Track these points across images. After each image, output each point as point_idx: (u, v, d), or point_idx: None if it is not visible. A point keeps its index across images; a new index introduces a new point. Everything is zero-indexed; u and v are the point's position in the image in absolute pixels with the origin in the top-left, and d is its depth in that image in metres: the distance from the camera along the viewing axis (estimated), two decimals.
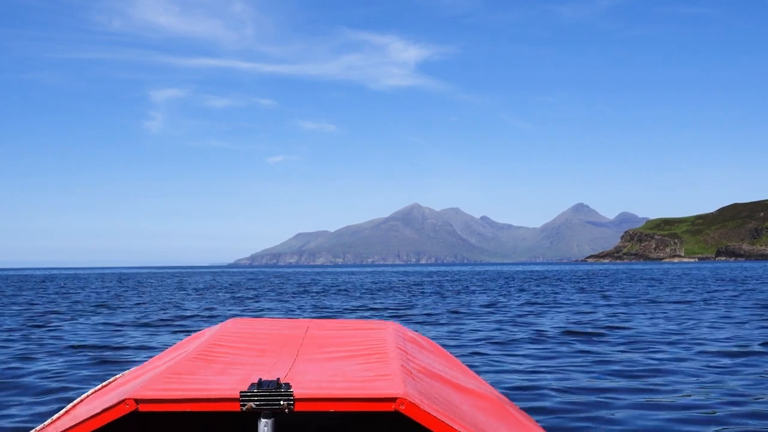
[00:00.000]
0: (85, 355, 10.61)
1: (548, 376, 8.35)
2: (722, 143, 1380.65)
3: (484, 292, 30.37)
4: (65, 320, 17.41)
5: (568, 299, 24.36)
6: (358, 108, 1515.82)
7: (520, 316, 17.29)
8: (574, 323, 15.05)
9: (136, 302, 25.29)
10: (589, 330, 13.44)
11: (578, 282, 43.22)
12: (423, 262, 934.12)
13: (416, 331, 4.90)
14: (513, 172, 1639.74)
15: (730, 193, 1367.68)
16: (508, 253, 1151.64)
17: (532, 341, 11.83)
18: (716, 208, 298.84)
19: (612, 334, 12.69)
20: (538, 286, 37.66)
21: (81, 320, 17.32)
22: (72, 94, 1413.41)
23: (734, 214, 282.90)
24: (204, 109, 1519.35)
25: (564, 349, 10.79)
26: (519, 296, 26.80)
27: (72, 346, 11.72)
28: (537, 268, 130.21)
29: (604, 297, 25.45)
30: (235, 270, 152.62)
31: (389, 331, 3.67)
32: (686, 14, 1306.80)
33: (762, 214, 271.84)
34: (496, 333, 13.22)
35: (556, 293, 28.87)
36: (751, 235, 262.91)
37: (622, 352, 10.38)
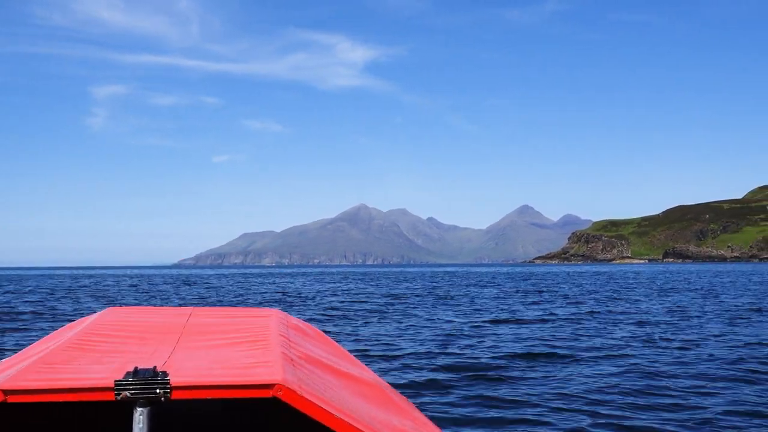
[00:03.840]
0: None
1: None
2: (665, 145, 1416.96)
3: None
4: None
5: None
6: (305, 108, 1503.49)
7: None
8: None
9: None
10: None
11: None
12: (369, 262, 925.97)
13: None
14: (459, 173, 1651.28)
15: (674, 195, 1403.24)
16: (454, 254, 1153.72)
17: None
18: (660, 210, 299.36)
19: None
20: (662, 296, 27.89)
21: None
22: (10, 88, 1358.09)
23: (680, 216, 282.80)
24: (148, 107, 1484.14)
25: None
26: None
27: None
28: (520, 269, 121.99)
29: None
30: (164, 273, 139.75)
31: (272, 318, 3.61)
32: (630, 21, 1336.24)
33: (707, 216, 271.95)
34: None
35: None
36: (697, 237, 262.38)
37: None
